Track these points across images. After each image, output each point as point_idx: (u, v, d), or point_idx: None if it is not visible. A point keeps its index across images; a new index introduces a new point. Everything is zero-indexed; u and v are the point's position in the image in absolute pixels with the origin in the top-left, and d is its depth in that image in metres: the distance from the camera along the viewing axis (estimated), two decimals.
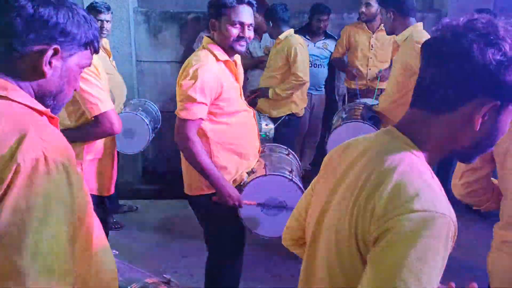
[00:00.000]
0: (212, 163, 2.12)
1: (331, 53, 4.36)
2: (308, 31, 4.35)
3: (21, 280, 0.83)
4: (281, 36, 3.74)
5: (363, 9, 3.98)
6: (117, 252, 1.23)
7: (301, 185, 2.23)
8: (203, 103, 2.05)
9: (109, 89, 2.44)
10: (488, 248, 1.67)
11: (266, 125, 3.14)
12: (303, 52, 3.67)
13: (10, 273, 0.82)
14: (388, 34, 2.95)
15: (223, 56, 2.13)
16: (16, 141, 0.85)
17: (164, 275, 1.29)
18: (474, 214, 3.48)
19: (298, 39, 3.72)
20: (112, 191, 2.44)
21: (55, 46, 0.98)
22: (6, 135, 0.86)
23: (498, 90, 0.90)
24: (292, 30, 3.81)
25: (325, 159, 1.21)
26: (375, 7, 3.95)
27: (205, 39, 2.18)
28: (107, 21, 3.54)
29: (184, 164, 2.26)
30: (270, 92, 3.72)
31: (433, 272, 0.84)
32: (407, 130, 0.99)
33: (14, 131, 0.86)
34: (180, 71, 2.14)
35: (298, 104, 3.89)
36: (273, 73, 3.76)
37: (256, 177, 2.21)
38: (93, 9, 3.50)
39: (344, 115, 3.18)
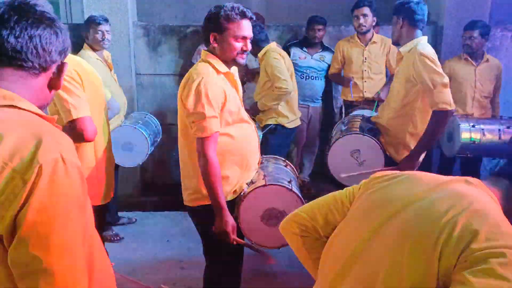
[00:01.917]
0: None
1: (328, 65, 4.40)
2: (306, 43, 4.41)
3: (50, 277, 0.86)
4: (259, 54, 3.81)
5: (361, 21, 4.01)
6: (113, 263, 1.24)
7: (300, 195, 2.24)
8: (214, 116, 2.07)
9: (87, 97, 2.43)
10: None
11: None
12: (281, 64, 3.68)
13: (38, 271, 0.86)
14: (393, 43, 2.95)
15: (223, 68, 2.16)
16: (34, 145, 0.90)
17: (162, 285, 1.30)
18: None
19: (274, 53, 3.73)
20: (102, 202, 2.45)
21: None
22: (24, 139, 0.90)
23: None
24: (270, 44, 3.81)
25: (372, 180, 1.31)
26: (370, 16, 4.01)
27: (203, 53, 2.21)
28: (107, 31, 3.62)
29: (183, 175, 2.28)
30: (259, 104, 3.82)
31: None
32: (491, 186, 1.23)
33: (31, 136, 0.91)
34: (181, 86, 2.15)
35: (287, 116, 3.89)
36: (262, 89, 3.83)
37: (256, 187, 2.23)
38: (93, 22, 3.59)
39: (343, 128, 3.17)
